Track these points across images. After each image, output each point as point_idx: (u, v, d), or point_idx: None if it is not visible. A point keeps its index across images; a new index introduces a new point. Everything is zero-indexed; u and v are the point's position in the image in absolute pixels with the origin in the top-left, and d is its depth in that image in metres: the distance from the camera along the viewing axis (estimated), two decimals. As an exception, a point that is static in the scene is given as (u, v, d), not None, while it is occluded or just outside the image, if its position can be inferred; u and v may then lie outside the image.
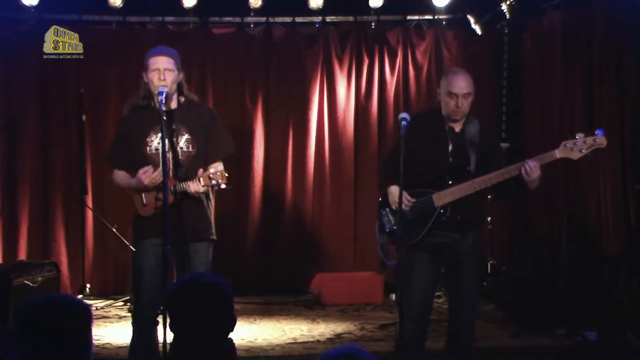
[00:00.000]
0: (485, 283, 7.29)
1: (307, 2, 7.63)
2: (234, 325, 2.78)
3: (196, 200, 4.50)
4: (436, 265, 4.56)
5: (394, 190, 4.46)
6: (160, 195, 4.35)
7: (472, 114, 4.56)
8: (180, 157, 4.50)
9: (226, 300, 2.76)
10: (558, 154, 4.29)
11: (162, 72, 4.44)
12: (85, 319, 2.50)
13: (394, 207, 4.47)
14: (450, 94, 4.42)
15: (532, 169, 4.25)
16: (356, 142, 8.07)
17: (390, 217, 4.55)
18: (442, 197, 4.41)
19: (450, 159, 4.48)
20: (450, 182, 4.41)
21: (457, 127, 4.53)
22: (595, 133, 4.29)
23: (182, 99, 4.61)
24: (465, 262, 4.51)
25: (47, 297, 2.53)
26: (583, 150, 4.26)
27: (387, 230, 4.58)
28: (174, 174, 4.45)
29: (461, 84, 4.43)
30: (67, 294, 2.65)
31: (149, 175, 4.43)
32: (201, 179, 4.34)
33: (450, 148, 4.49)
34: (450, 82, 4.44)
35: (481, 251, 4.71)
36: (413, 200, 4.45)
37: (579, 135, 4.28)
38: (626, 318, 6.01)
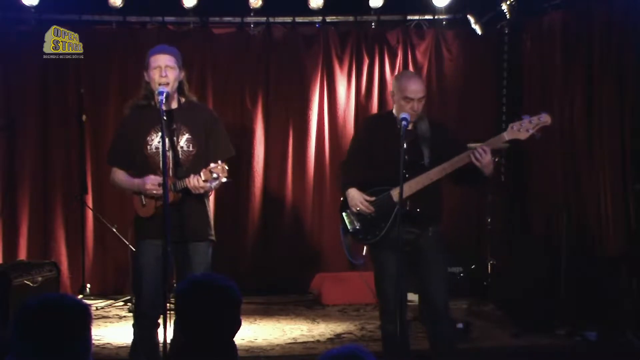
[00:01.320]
0: (485, 283, 7.30)
1: (307, 2, 7.63)
2: (238, 329, 2.78)
3: (196, 200, 4.50)
4: (403, 262, 4.53)
5: (353, 193, 4.62)
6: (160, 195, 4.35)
7: (423, 111, 4.68)
8: (180, 156, 4.49)
9: (234, 303, 2.76)
10: (506, 136, 4.49)
11: (164, 70, 4.43)
12: (85, 318, 2.50)
13: (354, 209, 4.60)
14: (406, 98, 4.54)
15: (481, 154, 4.41)
16: (356, 142, 8.06)
17: (352, 218, 4.66)
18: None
19: (406, 156, 4.53)
20: (407, 176, 4.48)
21: (409, 126, 4.61)
22: (540, 112, 4.47)
23: (183, 99, 4.61)
24: (429, 256, 4.60)
25: (46, 297, 2.52)
26: (530, 130, 4.44)
27: (350, 231, 4.69)
28: (174, 173, 4.44)
29: (415, 88, 4.56)
30: (66, 294, 2.64)
31: (155, 183, 4.41)
32: (202, 173, 4.33)
33: (404, 146, 4.54)
34: (405, 87, 4.56)
35: (444, 244, 4.77)
36: (372, 198, 4.57)
37: (524, 117, 4.46)
38: (626, 318, 6.01)
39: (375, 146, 4.61)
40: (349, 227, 4.69)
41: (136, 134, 4.56)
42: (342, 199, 4.75)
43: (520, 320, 6.28)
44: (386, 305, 4.59)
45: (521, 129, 4.44)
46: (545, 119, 4.43)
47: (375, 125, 4.75)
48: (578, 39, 6.93)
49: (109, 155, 4.79)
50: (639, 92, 6.36)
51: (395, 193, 4.50)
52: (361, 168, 4.65)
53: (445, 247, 4.79)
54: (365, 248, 4.70)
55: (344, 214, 4.71)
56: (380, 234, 4.57)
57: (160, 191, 4.35)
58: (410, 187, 4.48)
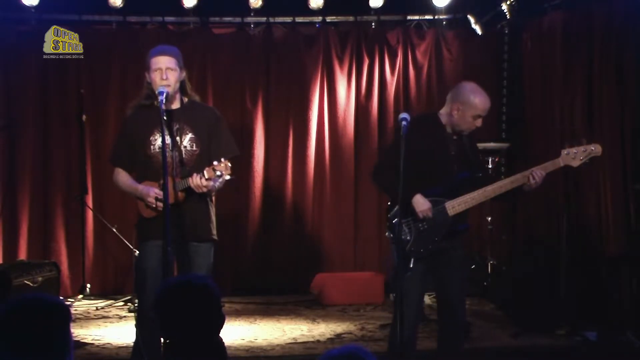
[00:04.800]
0: (485, 283, 7.30)
1: (307, 2, 7.63)
2: (222, 325, 2.78)
3: (199, 200, 4.49)
4: (428, 271, 4.56)
5: (419, 198, 4.41)
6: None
7: None
8: (184, 155, 4.49)
9: (213, 300, 2.76)
10: (561, 162, 4.51)
11: (164, 72, 4.42)
12: (62, 318, 2.48)
13: (421, 215, 4.40)
14: (477, 116, 4.47)
15: (539, 179, 4.42)
16: (356, 142, 8.07)
17: (406, 228, 4.47)
18: (456, 207, 4.45)
19: (455, 166, 4.51)
20: (461, 190, 4.45)
21: (454, 135, 4.57)
22: (592, 142, 4.57)
23: (186, 99, 4.60)
24: (456, 265, 4.56)
25: (23, 297, 2.52)
26: (581, 159, 4.52)
27: (401, 240, 4.45)
28: (178, 172, 4.44)
29: (488, 106, 4.52)
30: (44, 294, 2.64)
31: (155, 197, 4.41)
32: (205, 172, 4.32)
33: (452, 154, 4.53)
34: (479, 104, 4.46)
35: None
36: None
37: (577, 144, 4.53)
38: (626, 318, 6.02)
39: (421, 151, 4.33)
40: (400, 236, 4.44)
41: (139, 134, 4.56)
42: (389, 204, 4.54)
43: (520, 320, 6.28)
44: (406, 314, 4.46)
45: (575, 157, 4.50)
46: (597, 149, 4.53)
47: (421, 127, 4.45)
48: (578, 39, 6.93)
49: (111, 155, 4.80)
50: (639, 92, 6.37)
51: (450, 206, 4.44)
52: (407, 175, 4.26)
53: (465, 254, 4.77)
54: (412, 260, 4.46)
55: (395, 221, 4.45)
56: (433, 247, 4.44)
57: (160, 206, 4.36)
58: (466, 202, 4.44)
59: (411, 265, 4.36)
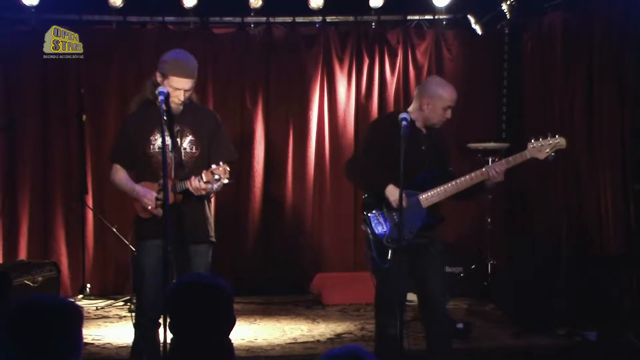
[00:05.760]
0: (485, 283, 7.30)
1: (307, 2, 7.63)
2: (233, 326, 2.77)
3: (197, 201, 4.49)
4: (409, 264, 4.62)
5: (393, 189, 4.48)
6: (161, 196, 4.35)
7: None
8: (183, 157, 4.49)
9: (225, 301, 2.75)
10: (528, 154, 4.62)
11: (184, 94, 4.45)
12: (74, 319, 2.48)
13: (394, 204, 4.47)
14: (448, 107, 4.62)
15: (497, 173, 4.54)
16: (356, 142, 8.05)
17: (380, 220, 4.59)
18: (429, 199, 4.58)
19: (426, 160, 4.62)
20: (433, 183, 4.57)
21: (424, 129, 4.69)
22: (556, 136, 4.65)
23: (187, 102, 4.60)
24: (431, 258, 4.65)
25: (35, 297, 2.52)
26: (547, 151, 4.61)
27: (377, 233, 4.58)
28: (176, 174, 4.44)
29: (456, 96, 4.67)
30: (56, 295, 2.63)
31: (152, 202, 4.41)
32: (203, 175, 4.33)
33: (423, 149, 4.65)
34: (447, 95, 4.63)
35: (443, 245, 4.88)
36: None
37: (542, 138, 4.62)
38: (626, 318, 6.01)
39: (392, 147, 4.38)
40: (376, 229, 4.59)
41: (140, 132, 4.56)
42: (364, 199, 4.69)
43: (520, 320, 6.28)
44: (393, 306, 4.51)
45: (541, 150, 4.60)
46: (562, 142, 4.61)
47: (391, 125, 4.51)
48: (578, 39, 6.93)
49: (111, 152, 4.79)
50: (639, 92, 6.36)
51: (423, 199, 4.56)
52: (382, 170, 4.53)
53: (444, 248, 4.85)
54: (390, 252, 4.54)
55: (370, 215, 4.59)
56: (409, 239, 4.53)
57: (155, 211, 4.38)
58: (439, 194, 4.57)
59: (389, 257, 4.43)
